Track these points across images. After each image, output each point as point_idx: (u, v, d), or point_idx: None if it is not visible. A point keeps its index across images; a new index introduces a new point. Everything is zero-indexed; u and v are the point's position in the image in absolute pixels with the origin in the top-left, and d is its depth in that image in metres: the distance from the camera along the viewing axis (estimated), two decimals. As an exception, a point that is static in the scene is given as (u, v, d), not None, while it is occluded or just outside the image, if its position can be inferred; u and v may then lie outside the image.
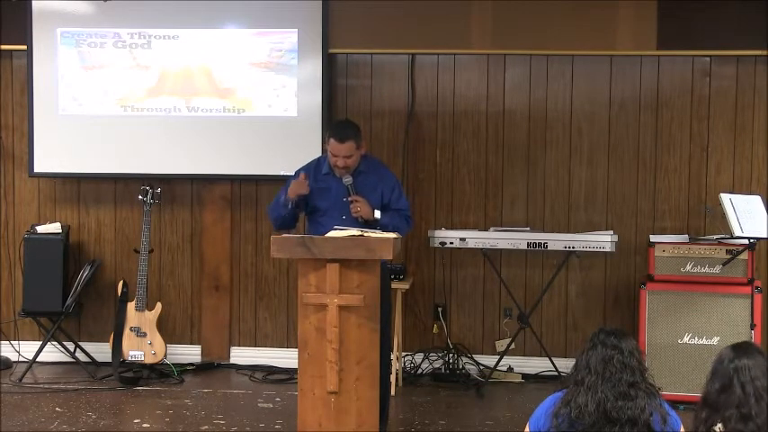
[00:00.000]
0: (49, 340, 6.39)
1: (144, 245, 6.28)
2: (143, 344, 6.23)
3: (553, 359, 6.19)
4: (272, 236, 4.39)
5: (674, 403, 4.19)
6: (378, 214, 4.83)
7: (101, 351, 6.52)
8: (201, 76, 6.53)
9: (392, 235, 4.40)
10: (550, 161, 6.51)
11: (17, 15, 6.53)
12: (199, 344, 6.75)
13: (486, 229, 6.33)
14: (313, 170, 4.99)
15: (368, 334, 4.20)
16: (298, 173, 4.99)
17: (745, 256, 5.66)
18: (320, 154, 5.45)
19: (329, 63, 6.46)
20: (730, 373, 2.87)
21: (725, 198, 5.54)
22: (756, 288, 5.65)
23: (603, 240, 5.99)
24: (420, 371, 6.48)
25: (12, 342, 6.71)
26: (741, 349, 2.92)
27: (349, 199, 4.82)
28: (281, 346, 6.67)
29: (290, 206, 4.89)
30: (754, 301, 5.62)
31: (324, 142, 5.12)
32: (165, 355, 6.30)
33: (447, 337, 6.53)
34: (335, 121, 5.92)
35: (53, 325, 6.39)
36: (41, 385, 6.06)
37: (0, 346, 6.65)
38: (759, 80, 6.33)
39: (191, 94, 6.53)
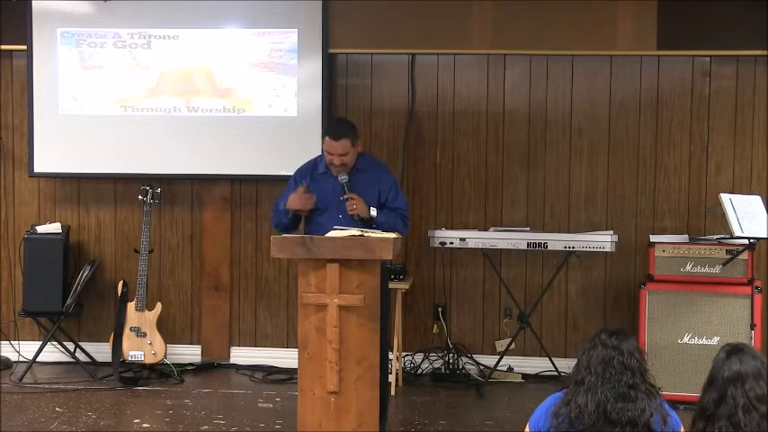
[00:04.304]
0: (49, 340, 6.39)
1: (144, 245, 6.28)
2: (143, 344, 6.23)
3: (553, 359, 6.19)
4: (272, 236, 4.40)
5: (675, 403, 4.19)
6: (374, 212, 4.80)
7: (101, 351, 6.53)
8: (201, 76, 6.53)
9: (392, 235, 4.40)
10: (550, 161, 6.51)
11: (17, 15, 6.54)
12: (199, 344, 6.75)
13: (486, 229, 6.33)
14: (310, 169, 4.99)
15: (368, 334, 4.20)
16: (297, 173, 5.01)
17: (745, 256, 5.66)
18: (320, 154, 5.45)
19: (329, 63, 6.46)
20: (725, 384, 2.86)
21: (725, 198, 5.54)
22: (756, 288, 5.65)
23: (603, 240, 5.99)
24: (420, 371, 6.48)
25: (12, 342, 6.71)
26: (736, 356, 2.90)
27: (344, 197, 4.80)
28: (281, 346, 6.67)
29: (289, 214, 4.90)
30: (754, 301, 5.62)
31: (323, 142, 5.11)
32: (165, 355, 6.30)
33: (447, 337, 6.53)
34: (331, 120, 5.93)
35: (53, 325, 6.39)
36: (41, 385, 6.06)
37: (0, 346, 6.66)
38: (759, 80, 6.33)
39: (191, 94, 6.53)
